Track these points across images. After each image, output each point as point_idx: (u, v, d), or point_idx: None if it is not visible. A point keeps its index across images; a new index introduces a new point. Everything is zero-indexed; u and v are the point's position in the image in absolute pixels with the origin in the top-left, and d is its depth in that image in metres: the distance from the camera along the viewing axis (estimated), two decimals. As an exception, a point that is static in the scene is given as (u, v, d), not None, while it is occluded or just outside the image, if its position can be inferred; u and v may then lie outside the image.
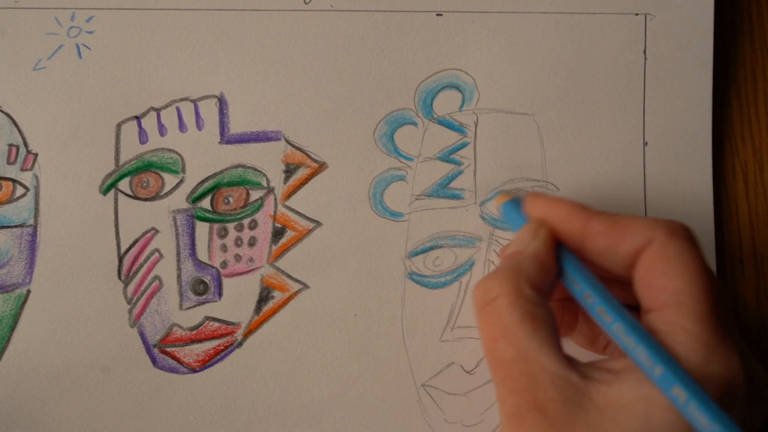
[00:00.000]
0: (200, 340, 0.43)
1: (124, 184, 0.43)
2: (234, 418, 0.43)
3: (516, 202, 0.39)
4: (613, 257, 0.36)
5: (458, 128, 0.44)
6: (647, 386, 0.31)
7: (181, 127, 0.43)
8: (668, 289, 0.34)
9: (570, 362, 0.33)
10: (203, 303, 0.43)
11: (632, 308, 0.35)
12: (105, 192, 0.43)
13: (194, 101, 0.44)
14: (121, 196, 0.43)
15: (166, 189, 0.43)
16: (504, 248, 0.38)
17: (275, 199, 0.44)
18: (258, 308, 0.43)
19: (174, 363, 0.43)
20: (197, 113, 0.44)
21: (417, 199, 0.44)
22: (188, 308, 0.43)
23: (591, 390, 0.32)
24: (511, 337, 0.33)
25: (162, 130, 0.43)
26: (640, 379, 0.32)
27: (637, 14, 0.45)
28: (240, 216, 0.43)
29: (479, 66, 0.45)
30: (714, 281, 0.34)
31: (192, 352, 0.43)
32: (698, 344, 0.32)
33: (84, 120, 0.43)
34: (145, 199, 0.43)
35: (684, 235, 0.35)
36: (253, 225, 0.43)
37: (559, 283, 0.36)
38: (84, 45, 0.43)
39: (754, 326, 0.46)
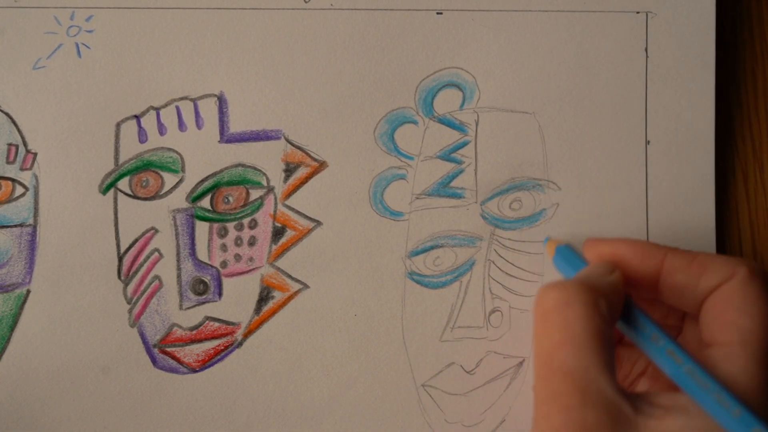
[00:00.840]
0: (200, 340, 0.43)
1: (123, 184, 0.43)
2: (234, 418, 0.43)
3: (567, 248, 0.39)
4: (690, 293, 0.36)
5: (459, 127, 0.44)
6: (697, 424, 0.31)
7: (181, 126, 0.43)
8: (738, 325, 0.33)
9: (625, 392, 0.32)
10: (203, 303, 0.43)
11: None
12: (104, 191, 0.43)
13: (194, 100, 0.43)
14: (120, 195, 0.43)
15: (166, 188, 0.43)
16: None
17: (275, 199, 0.44)
18: (258, 308, 0.43)
19: (174, 363, 0.43)
20: (197, 112, 0.43)
21: (417, 198, 0.44)
22: (188, 308, 0.43)
23: (640, 423, 0.31)
24: (578, 348, 0.32)
25: (161, 129, 0.43)
26: (691, 416, 0.32)
27: (638, 12, 0.45)
28: (240, 215, 0.43)
29: (480, 64, 0.44)
30: None
31: (192, 352, 0.43)
32: (756, 387, 0.32)
33: (83, 119, 0.43)
34: (145, 199, 0.43)
35: (763, 276, 0.35)
36: (253, 224, 0.43)
37: None
38: (83, 44, 0.43)
39: (755, 326, 0.45)
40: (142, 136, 0.43)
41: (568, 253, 0.40)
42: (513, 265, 0.44)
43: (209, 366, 0.43)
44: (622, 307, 0.36)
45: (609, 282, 0.35)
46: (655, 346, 0.35)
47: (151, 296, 0.43)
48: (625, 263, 0.37)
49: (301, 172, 0.44)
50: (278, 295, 0.43)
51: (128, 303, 0.43)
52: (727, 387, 0.32)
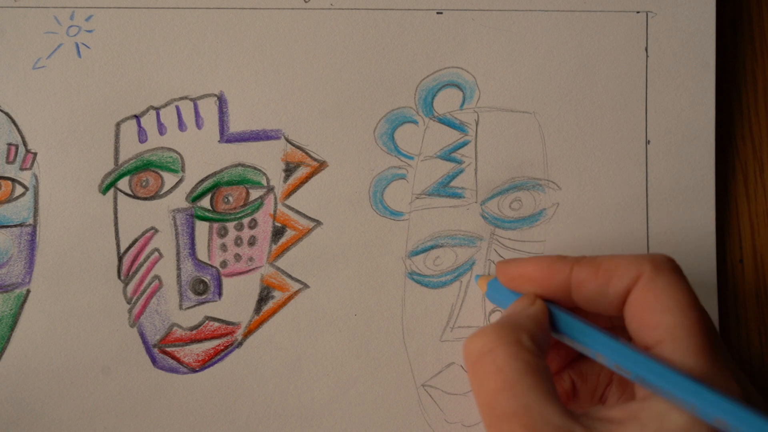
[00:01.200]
0: (200, 340, 0.43)
1: (123, 184, 0.43)
2: (234, 418, 0.43)
3: (496, 281, 0.39)
4: (604, 300, 0.36)
5: (459, 127, 0.44)
6: (650, 429, 0.31)
7: (181, 126, 0.43)
8: (662, 324, 0.33)
9: (572, 415, 0.32)
10: (203, 303, 0.43)
11: None
12: (104, 191, 0.43)
13: (194, 100, 0.43)
14: (120, 195, 0.43)
15: (166, 188, 0.43)
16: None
17: (275, 198, 0.44)
18: (258, 308, 0.43)
19: (174, 363, 0.43)
20: (197, 112, 0.43)
21: (417, 198, 0.44)
22: (188, 308, 0.43)
23: None
24: (513, 389, 0.32)
25: (161, 129, 0.43)
26: (644, 424, 0.32)
27: (638, 12, 0.45)
28: (240, 215, 0.43)
29: (480, 64, 0.44)
30: (704, 312, 0.34)
31: (192, 352, 0.43)
32: (699, 377, 0.32)
33: (83, 119, 0.43)
34: (145, 199, 0.43)
35: (670, 268, 0.35)
36: (253, 224, 0.43)
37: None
38: (83, 44, 0.43)
39: (754, 326, 0.45)
40: (142, 135, 0.43)
41: (497, 286, 0.40)
42: (513, 264, 0.44)
43: (209, 366, 0.43)
44: (549, 333, 0.36)
45: (529, 314, 0.36)
46: (602, 350, 0.35)
47: (151, 296, 0.43)
48: (536, 283, 0.37)
49: (301, 172, 0.44)
50: (278, 295, 0.43)
51: (128, 303, 0.43)
52: (678, 383, 0.32)
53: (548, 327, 0.36)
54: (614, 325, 0.39)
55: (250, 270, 0.43)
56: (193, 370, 0.43)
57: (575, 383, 0.40)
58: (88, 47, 0.43)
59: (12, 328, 0.42)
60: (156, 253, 0.43)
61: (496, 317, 0.44)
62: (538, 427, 0.31)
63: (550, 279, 0.37)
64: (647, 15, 0.45)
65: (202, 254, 0.43)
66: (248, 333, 0.43)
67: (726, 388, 0.32)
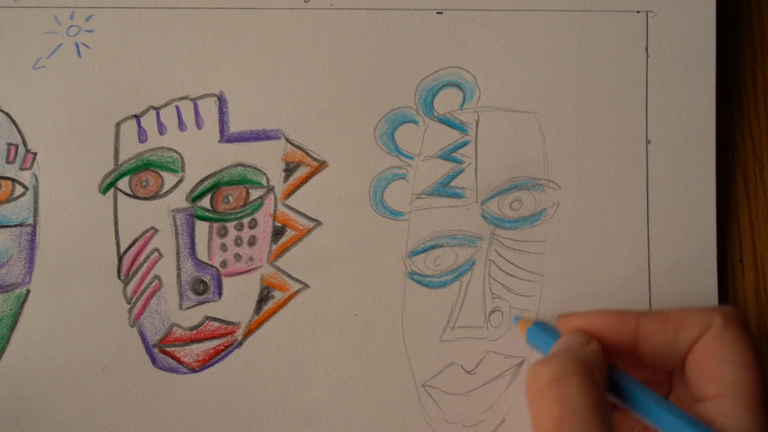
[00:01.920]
0: (200, 340, 0.43)
1: (123, 183, 0.43)
2: (234, 418, 0.43)
3: (540, 325, 0.39)
4: (671, 353, 0.36)
5: (459, 126, 0.44)
6: None
7: (181, 125, 0.43)
8: (725, 377, 0.34)
9: None
10: (203, 303, 0.43)
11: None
12: (104, 191, 0.43)
13: (194, 100, 0.43)
14: (120, 195, 0.43)
15: (166, 188, 0.43)
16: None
17: (275, 198, 0.44)
18: (258, 308, 0.43)
19: (174, 363, 0.43)
20: (197, 112, 0.43)
21: (418, 197, 0.44)
22: (188, 308, 0.43)
23: None
24: (580, 421, 0.32)
25: (161, 128, 0.43)
26: None
27: (638, 12, 0.45)
28: (240, 215, 0.43)
29: (480, 64, 0.44)
30: (764, 371, 0.34)
31: (192, 352, 0.43)
32: None
33: (83, 119, 0.43)
34: (145, 198, 0.43)
35: (739, 321, 0.35)
36: (253, 224, 0.43)
37: None
38: (83, 44, 0.43)
39: (754, 327, 0.45)
40: (142, 135, 0.43)
41: (537, 333, 0.40)
42: (513, 264, 0.44)
43: (209, 366, 0.43)
44: (607, 375, 0.36)
45: (593, 350, 0.36)
46: (649, 410, 0.35)
47: (151, 296, 0.43)
48: (600, 335, 0.37)
49: (301, 172, 0.44)
50: (278, 295, 0.43)
51: (128, 303, 0.43)
52: None
53: (606, 368, 0.36)
54: (663, 379, 0.39)
55: (250, 270, 0.43)
56: (193, 370, 0.43)
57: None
58: (88, 47, 0.43)
59: (12, 328, 0.42)
60: (156, 253, 0.43)
61: (496, 317, 0.44)
62: None
63: (617, 331, 0.37)
64: (647, 15, 0.45)
65: (202, 254, 0.43)
66: (248, 333, 0.43)
67: None
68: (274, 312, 0.43)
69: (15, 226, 0.42)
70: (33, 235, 0.42)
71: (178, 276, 0.43)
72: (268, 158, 0.44)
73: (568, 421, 0.32)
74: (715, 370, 0.34)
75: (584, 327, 0.38)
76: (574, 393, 0.33)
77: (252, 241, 0.43)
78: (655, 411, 0.35)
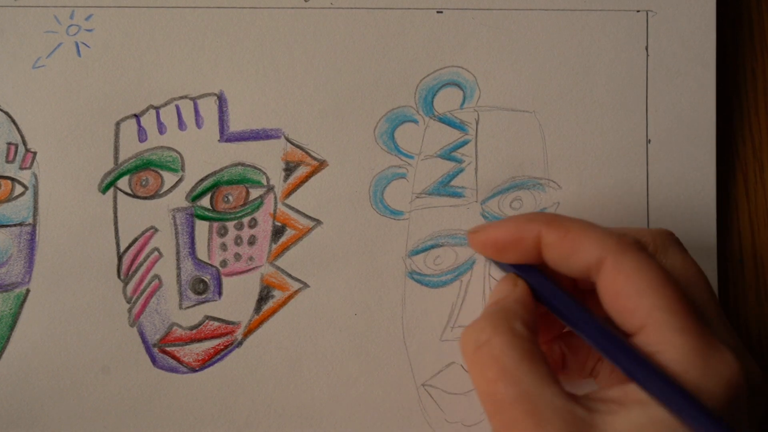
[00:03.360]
0: (200, 340, 0.43)
1: (123, 183, 0.43)
2: (234, 418, 0.43)
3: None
4: (570, 268, 0.36)
5: (459, 126, 0.44)
6: (654, 410, 0.31)
7: (181, 125, 0.43)
8: (640, 308, 0.33)
9: (572, 396, 0.32)
10: (203, 302, 0.43)
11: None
12: (104, 190, 0.43)
13: (194, 99, 0.43)
14: (120, 194, 0.43)
15: (166, 187, 0.43)
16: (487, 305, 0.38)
17: (275, 198, 0.44)
18: (258, 307, 0.43)
19: (174, 362, 0.43)
20: (197, 111, 0.43)
21: (418, 197, 0.44)
22: (188, 307, 0.43)
23: (598, 422, 0.31)
24: (512, 376, 0.32)
25: (161, 128, 0.43)
26: (645, 404, 0.31)
27: (638, 11, 0.45)
28: (240, 214, 0.43)
29: (480, 63, 0.44)
30: (678, 286, 0.34)
31: (192, 352, 0.43)
32: (692, 356, 0.32)
33: (83, 118, 0.43)
34: (145, 198, 0.43)
35: (635, 248, 0.35)
36: (253, 223, 0.43)
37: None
38: (83, 43, 0.43)
39: (754, 326, 0.45)
40: (142, 135, 0.43)
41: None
42: (513, 264, 0.44)
43: (209, 365, 0.43)
44: (535, 312, 0.36)
45: (516, 298, 0.36)
46: (572, 321, 0.35)
47: (151, 295, 0.43)
48: (506, 247, 0.37)
49: (301, 171, 0.44)
50: (278, 295, 0.43)
51: (128, 302, 0.43)
52: (663, 372, 0.32)
53: (534, 307, 0.36)
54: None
55: (250, 269, 0.43)
56: (193, 370, 0.43)
57: (565, 355, 0.40)
58: (88, 46, 0.43)
59: (12, 327, 0.42)
60: (156, 253, 0.43)
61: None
62: (540, 412, 0.31)
63: (518, 243, 0.36)
64: (647, 14, 0.45)
65: (201, 254, 0.43)
66: (248, 332, 0.43)
67: (721, 361, 0.32)
68: (274, 311, 0.43)
69: (15, 225, 0.42)
70: (33, 234, 0.42)
71: (178, 275, 0.43)
72: (268, 158, 0.44)
73: (502, 378, 0.32)
74: (627, 304, 0.34)
75: (490, 241, 0.37)
76: (498, 353, 0.33)
77: (252, 241, 0.43)
78: (575, 320, 0.35)
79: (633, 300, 0.33)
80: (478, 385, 0.34)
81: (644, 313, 0.33)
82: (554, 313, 0.36)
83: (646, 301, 0.33)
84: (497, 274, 0.44)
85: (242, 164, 0.43)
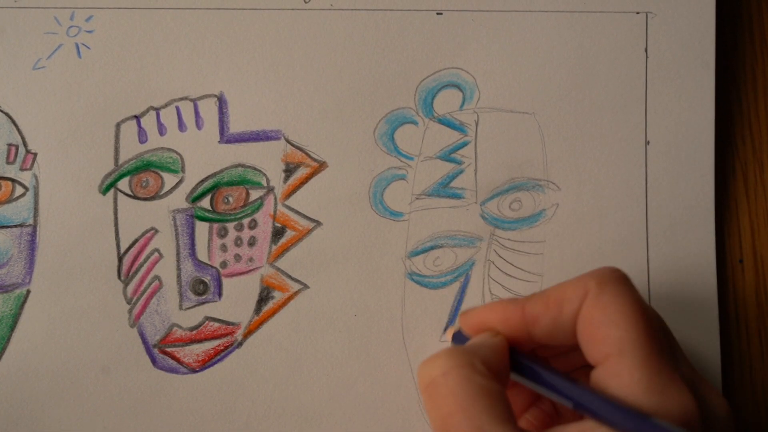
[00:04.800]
0: (200, 341, 0.43)
1: (123, 184, 0.43)
2: (234, 418, 0.43)
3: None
4: (560, 331, 0.35)
5: (459, 127, 0.44)
6: None
7: (181, 126, 0.43)
8: (608, 339, 0.33)
9: None
10: (203, 303, 0.43)
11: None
12: (104, 192, 0.43)
13: (194, 100, 0.43)
14: (120, 195, 0.43)
15: (166, 188, 0.43)
16: None
17: (275, 199, 0.44)
18: (258, 308, 0.43)
19: (174, 363, 0.43)
20: (197, 112, 0.43)
21: (417, 198, 0.44)
22: (188, 308, 0.43)
23: None
24: (466, 412, 0.32)
25: (161, 129, 0.43)
26: None
27: (638, 12, 0.45)
28: (240, 216, 0.43)
29: (480, 65, 0.44)
30: (651, 321, 0.34)
31: (192, 352, 0.43)
32: (647, 391, 0.32)
33: (83, 119, 0.43)
34: (145, 199, 0.43)
35: (614, 280, 0.35)
36: (253, 225, 0.43)
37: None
38: (83, 44, 0.43)
39: (754, 326, 0.45)
40: (142, 136, 0.43)
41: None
42: (513, 265, 0.44)
43: (209, 366, 0.43)
44: (507, 364, 0.36)
45: (488, 344, 0.36)
46: (550, 391, 0.35)
47: (151, 296, 0.43)
48: (496, 327, 0.37)
49: (301, 173, 0.44)
50: (278, 296, 0.43)
51: (128, 303, 0.43)
52: (618, 402, 0.32)
53: (506, 359, 0.36)
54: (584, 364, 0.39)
55: (250, 270, 0.43)
56: (193, 371, 0.43)
57: (556, 404, 0.40)
58: (88, 48, 0.43)
59: (12, 328, 0.42)
60: (156, 254, 0.43)
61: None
62: None
63: (506, 322, 0.36)
64: (647, 16, 0.45)
65: (202, 255, 0.43)
66: (248, 333, 0.43)
67: (675, 397, 0.32)
68: (274, 312, 0.43)
69: (15, 226, 0.43)
70: (33, 235, 0.42)
71: (178, 276, 0.43)
72: (267, 159, 0.44)
73: (457, 412, 0.32)
74: (598, 334, 0.34)
75: (479, 322, 0.37)
76: (456, 385, 0.33)
77: (252, 242, 0.43)
78: (547, 386, 0.35)
79: (604, 329, 0.34)
80: (432, 419, 0.33)
81: (611, 344, 0.33)
82: (520, 378, 0.36)
83: (615, 332, 0.33)
84: (496, 276, 0.44)
85: (242, 165, 0.43)
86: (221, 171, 0.43)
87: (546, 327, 0.36)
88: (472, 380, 0.33)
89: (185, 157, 0.43)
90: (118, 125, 0.43)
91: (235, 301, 0.43)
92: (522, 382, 0.36)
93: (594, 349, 0.34)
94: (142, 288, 0.43)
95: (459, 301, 0.44)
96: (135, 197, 0.43)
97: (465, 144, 0.44)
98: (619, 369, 0.33)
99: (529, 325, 0.36)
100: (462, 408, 0.32)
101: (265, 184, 0.44)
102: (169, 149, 0.43)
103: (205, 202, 0.43)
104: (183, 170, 0.43)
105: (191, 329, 0.43)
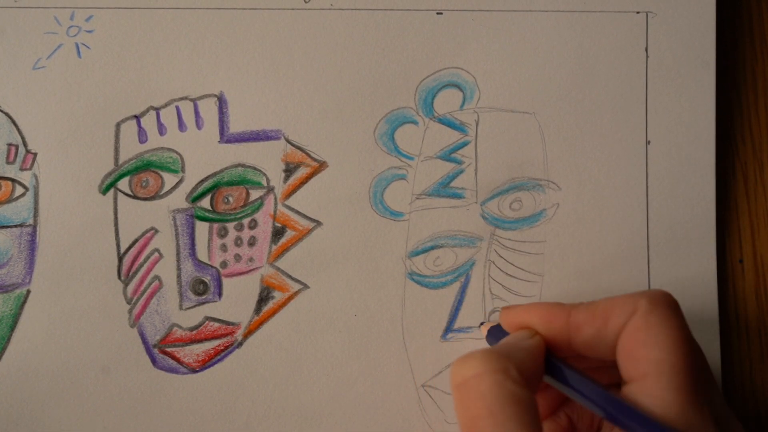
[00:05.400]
0: (200, 341, 0.43)
1: (123, 184, 0.43)
2: (234, 418, 0.43)
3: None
4: (602, 343, 0.36)
5: (459, 127, 0.44)
6: None
7: (181, 126, 0.43)
8: (649, 359, 0.34)
9: None
10: (203, 303, 0.43)
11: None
12: (104, 191, 0.43)
13: (194, 100, 0.43)
14: (120, 195, 0.43)
15: (166, 188, 0.43)
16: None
17: (275, 199, 0.44)
18: (258, 308, 0.43)
19: (174, 363, 0.43)
20: (197, 112, 0.43)
21: (417, 198, 0.44)
22: (188, 308, 0.43)
23: None
24: (495, 417, 0.32)
25: (161, 129, 0.43)
26: None
27: (638, 12, 0.45)
28: (240, 215, 0.43)
29: (480, 64, 0.44)
30: (694, 350, 0.34)
31: (192, 353, 0.43)
32: (676, 416, 0.32)
33: (83, 119, 0.43)
34: (145, 199, 0.43)
35: (666, 303, 0.35)
36: (253, 224, 0.43)
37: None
38: (83, 44, 0.43)
39: (754, 326, 0.45)
40: (142, 136, 0.43)
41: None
42: (513, 265, 0.44)
43: (209, 366, 0.43)
44: (542, 368, 0.36)
45: (524, 347, 0.36)
46: (583, 396, 0.35)
47: (151, 296, 0.43)
48: (536, 329, 0.37)
49: (301, 172, 0.44)
50: (278, 296, 0.43)
51: (128, 303, 0.43)
52: (653, 418, 0.32)
53: (542, 362, 0.36)
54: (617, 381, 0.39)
55: (250, 270, 0.43)
56: (193, 371, 0.43)
57: (572, 419, 0.40)
58: (88, 47, 0.43)
59: (12, 328, 0.42)
60: (156, 254, 0.43)
61: (496, 318, 0.44)
62: None
63: (548, 325, 0.36)
64: (647, 15, 0.45)
65: (202, 254, 0.43)
66: (248, 333, 0.43)
67: (701, 428, 0.32)
68: (274, 312, 0.43)
69: (15, 226, 0.42)
70: (33, 235, 0.42)
71: (179, 276, 0.43)
72: (268, 159, 0.44)
73: (485, 416, 0.32)
74: (640, 352, 0.34)
75: (520, 321, 0.38)
76: (488, 389, 0.33)
77: (252, 242, 0.43)
78: (580, 391, 0.35)
79: (646, 349, 0.34)
80: (461, 418, 0.33)
81: (650, 364, 0.33)
82: (552, 380, 0.36)
83: (657, 353, 0.33)
84: (496, 275, 0.44)
85: (242, 165, 0.43)
86: (221, 171, 0.43)
87: (588, 337, 0.36)
88: (504, 386, 0.33)
89: (185, 157, 0.43)
90: (118, 125, 0.43)
91: (235, 301, 0.43)
92: (555, 385, 0.36)
93: (632, 366, 0.34)
94: (142, 288, 0.43)
95: (459, 301, 0.44)
96: (135, 197, 0.43)
97: (465, 144, 0.44)
98: (653, 390, 0.33)
99: (571, 332, 0.36)
100: (491, 413, 0.32)
101: (265, 184, 0.44)
102: (169, 149, 0.43)
103: (205, 202, 0.43)
104: (183, 170, 0.43)
105: (191, 329, 0.43)
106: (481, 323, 0.44)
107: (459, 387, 0.34)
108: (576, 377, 0.35)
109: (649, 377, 0.33)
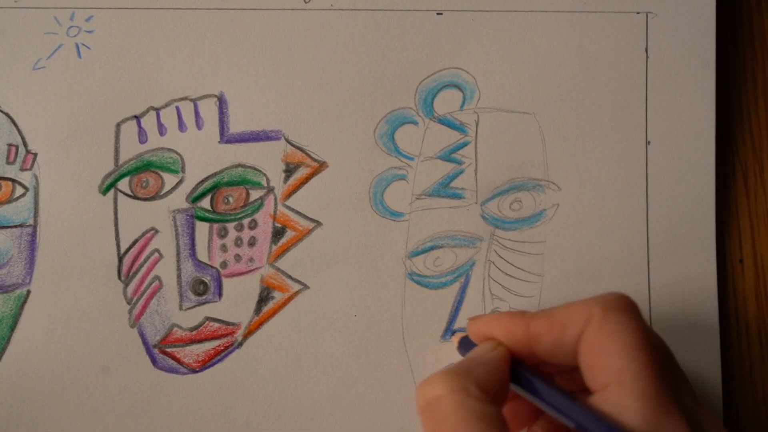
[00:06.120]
0: (200, 341, 0.43)
1: (123, 184, 0.43)
2: (234, 418, 0.43)
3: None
4: (562, 351, 0.35)
5: (459, 127, 0.44)
6: None
7: (181, 126, 0.43)
8: (608, 368, 0.33)
9: None
10: (203, 303, 0.43)
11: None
12: (104, 192, 0.43)
13: (194, 101, 0.43)
14: (120, 195, 0.43)
15: (166, 189, 0.43)
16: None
17: (275, 199, 0.44)
18: (258, 308, 0.43)
19: (174, 363, 0.43)
20: (197, 113, 0.43)
21: (417, 198, 0.44)
22: (188, 308, 0.43)
23: None
24: None
25: (161, 129, 0.43)
26: None
27: (638, 12, 0.45)
28: (240, 216, 0.43)
29: (480, 65, 0.44)
30: (654, 351, 0.34)
31: (192, 353, 0.43)
32: (643, 422, 0.32)
33: (83, 119, 0.43)
34: (145, 199, 0.43)
35: (620, 308, 0.35)
36: (253, 225, 0.43)
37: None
38: (83, 44, 0.43)
39: (754, 326, 0.45)
40: (142, 136, 0.43)
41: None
42: (513, 265, 0.44)
43: (209, 366, 0.43)
44: (506, 379, 0.36)
45: (486, 360, 0.36)
46: (552, 407, 0.35)
47: (151, 297, 0.43)
48: (500, 338, 0.37)
49: (301, 173, 0.44)
50: (278, 296, 0.43)
51: (128, 303, 0.43)
52: (620, 427, 0.32)
53: (506, 374, 0.36)
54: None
55: (250, 270, 0.43)
56: (193, 371, 0.43)
57: (554, 423, 0.40)
58: (89, 48, 0.43)
59: (12, 328, 0.42)
60: (156, 254, 0.43)
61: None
62: None
63: (510, 336, 0.36)
64: (647, 16, 0.45)
65: (202, 255, 0.43)
66: (248, 333, 0.43)
67: (672, 430, 0.32)
68: (274, 313, 0.43)
69: (15, 226, 0.43)
70: (33, 235, 0.42)
71: (179, 276, 0.43)
72: (268, 159, 0.44)
73: None
74: (599, 362, 0.34)
75: (485, 332, 0.38)
76: (449, 410, 0.33)
77: (252, 242, 0.43)
78: (549, 402, 0.35)
79: (604, 359, 0.34)
80: None
81: (610, 374, 0.33)
82: (520, 390, 0.36)
83: (615, 362, 0.33)
84: (496, 276, 0.44)
85: (242, 165, 0.43)
86: (221, 171, 0.43)
87: (548, 346, 0.36)
88: (466, 405, 0.33)
89: (185, 157, 0.43)
90: (118, 125, 0.43)
91: (235, 302, 0.43)
92: (525, 396, 0.36)
93: (594, 377, 0.34)
94: (142, 288, 0.43)
95: (459, 301, 0.44)
96: (135, 197, 0.43)
97: (465, 144, 0.44)
98: (617, 399, 0.33)
99: (532, 342, 0.36)
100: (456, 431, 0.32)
101: (265, 184, 0.44)
102: (169, 149, 0.43)
103: (205, 202, 0.43)
104: (183, 170, 0.43)
105: (191, 329, 0.43)
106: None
107: (424, 410, 0.34)
108: (545, 388, 0.35)
109: (611, 388, 0.33)
